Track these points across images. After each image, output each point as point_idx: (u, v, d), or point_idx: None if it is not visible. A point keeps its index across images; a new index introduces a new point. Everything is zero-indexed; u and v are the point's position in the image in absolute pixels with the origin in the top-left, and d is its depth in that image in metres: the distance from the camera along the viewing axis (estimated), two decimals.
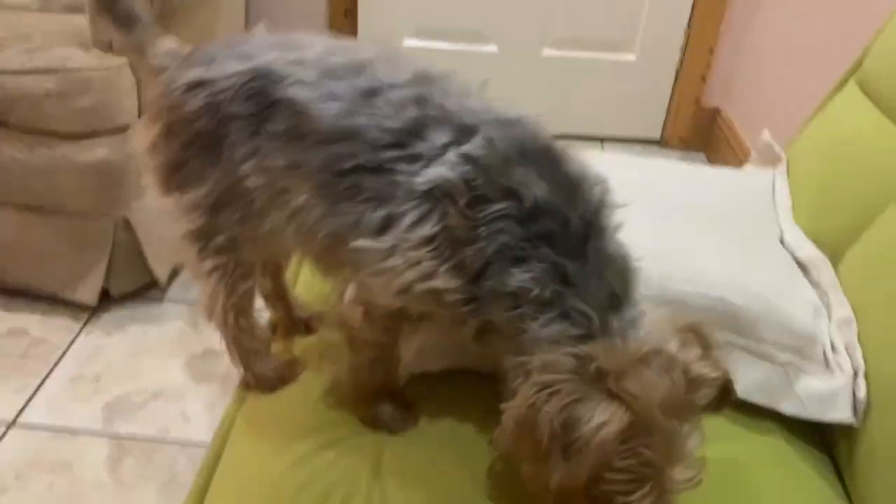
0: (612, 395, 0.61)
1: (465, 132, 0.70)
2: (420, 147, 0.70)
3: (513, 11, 2.37)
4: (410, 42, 2.44)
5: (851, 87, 1.14)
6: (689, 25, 2.38)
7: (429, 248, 0.68)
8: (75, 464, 1.35)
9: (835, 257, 0.98)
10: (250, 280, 0.88)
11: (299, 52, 0.77)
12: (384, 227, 0.71)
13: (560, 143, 0.72)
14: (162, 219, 1.66)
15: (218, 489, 0.79)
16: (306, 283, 1.07)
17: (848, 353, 0.85)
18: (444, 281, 0.68)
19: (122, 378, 1.54)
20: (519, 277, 0.66)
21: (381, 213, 0.70)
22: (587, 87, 2.50)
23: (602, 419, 0.59)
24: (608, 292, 0.67)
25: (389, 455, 0.78)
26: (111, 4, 0.88)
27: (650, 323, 0.67)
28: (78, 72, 1.45)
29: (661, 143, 2.58)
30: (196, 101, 0.77)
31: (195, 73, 0.78)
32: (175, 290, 1.78)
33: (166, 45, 0.86)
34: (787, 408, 0.84)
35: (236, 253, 0.84)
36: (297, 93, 0.74)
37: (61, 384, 1.51)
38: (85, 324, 1.66)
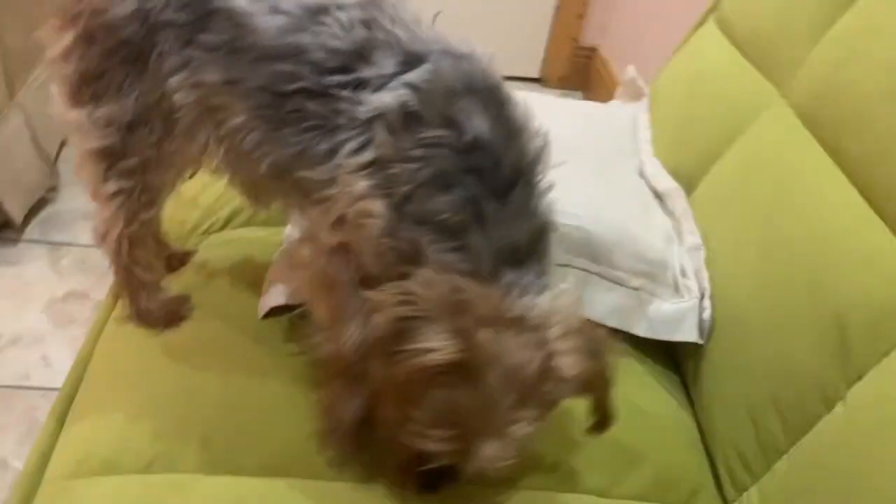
0: (459, 333, 0.59)
1: (412, 60, 0.68)
2: (366, 72, 0.68)
3: None
4: None
5: (710, 25, 1.18)
6: None
7: (363, 172, 0.67)
8: None
9: (690, 188, 1.03)
10: (154, 208, 0.83)
11: None
12: (327, 157, 0.69)
13: (507, 86, 0.71)
14: (12, 155, 1.56)
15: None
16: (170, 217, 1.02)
17: (696, 278, 0.90)
18: (372, 203, 0.66)
19: None
20: (439, 200, 0.65)
21: (325, 146, 0.68)
22: (465, 23, 2.47)
23: (433, 346, 0.58)
24: (512, 244, 0.65)
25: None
26: None
27: (553, 301, 0.65)
28: None
29: (541, 81, 2.61)
30: (123, 6, 0.70)
31: None
32: (32, 230, 1.68)
33: None
34: (640, 330, 0.88)
35: (145, 177, 0.78)
36: (238, 2, 0.70)
37: None
38: None
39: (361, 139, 0.67)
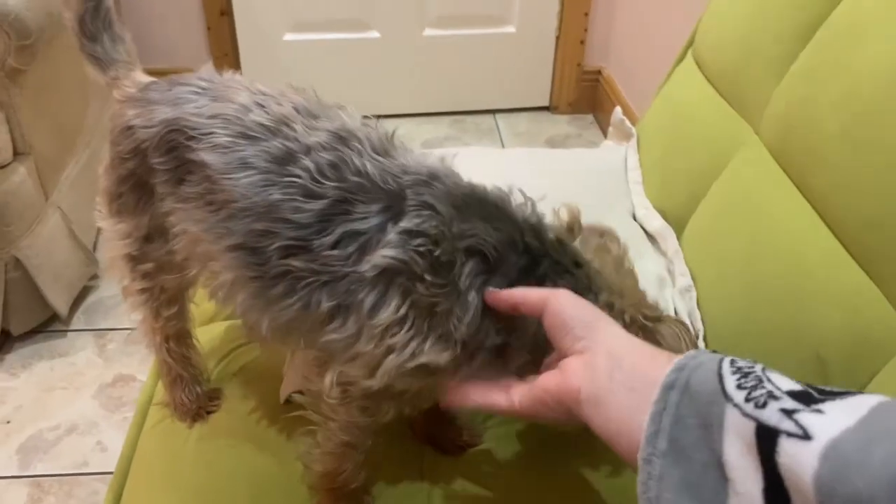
0: None
1: (394, 203, 0.67)
2: (351, 226, 0.66)
3: None
4: (291, 37, 2.44)
5: (689, 60, 1.21)
6: None
7: (403, 328, 0.65)
8: None
9: (679, 227, 1.06)
10: (174, 307, 0.91)
11: (222, 105, 0.73)
12: (334, 315, 0.67)
13: (468, 181, 0.71)
14: (52, 252, 1.66)
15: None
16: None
17: (689, 319, 0.93)
18: (434, 355, 0.65)
19: (33, 417, 1.54)
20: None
21: (327, 303, 0.67)
22: (472, 62, 2.55)
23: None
24: None
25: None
26: (92, 50, 0.87)
27: None
28: None
29: (551, 108, 2.66)
30: (127, 143, 0.78)
31: (129, 117, 0.78)
32: (78, 320, 1.78)
33: (133, 77, 0.85)
34: None
35: (162, 278, 0.86)
36: (209, 158, 0.70)
37: None
38: None
39: (376, 294, 0.65)
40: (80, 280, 1.82)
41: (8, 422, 1.53)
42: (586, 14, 2.48)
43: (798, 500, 0.39)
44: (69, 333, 1.74)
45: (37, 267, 1.63)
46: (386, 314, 0.65)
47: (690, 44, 1.23)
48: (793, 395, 0.42)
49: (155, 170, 0.76)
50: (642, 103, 2.30)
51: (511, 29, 2.51)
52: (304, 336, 0.71)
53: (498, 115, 2.63)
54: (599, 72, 2.57)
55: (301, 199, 0.67)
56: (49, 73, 1.74)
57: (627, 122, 1.28)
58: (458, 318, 0.64)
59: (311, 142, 0.69)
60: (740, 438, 0.42)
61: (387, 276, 0.65)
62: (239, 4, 2.37)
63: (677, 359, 0.49)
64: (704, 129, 1.09)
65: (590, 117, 2.63)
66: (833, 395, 0.42)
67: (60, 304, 1.70)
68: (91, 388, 1.60)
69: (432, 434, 0.89)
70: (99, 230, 1.95)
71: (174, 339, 0.94)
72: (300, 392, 0.89)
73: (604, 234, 0.75)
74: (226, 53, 2.47)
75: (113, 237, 0.85)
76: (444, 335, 0.65)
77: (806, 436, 0.39)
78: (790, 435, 0.39)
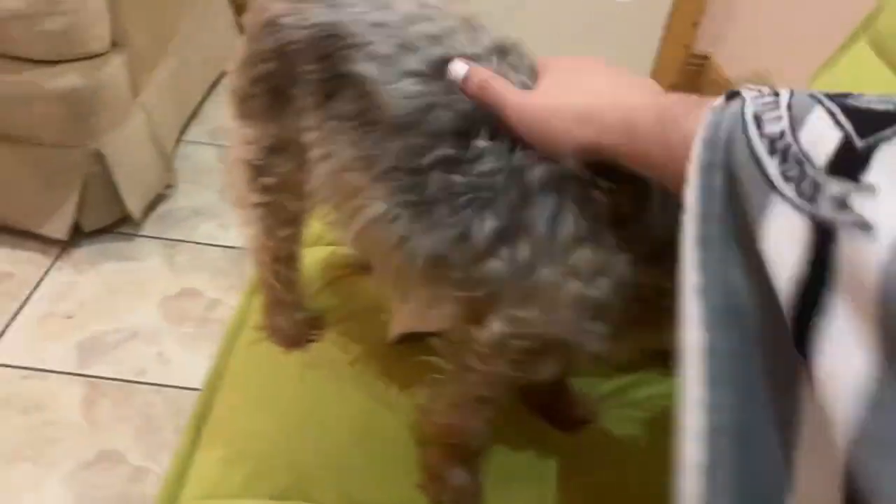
0: None
1: None
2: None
3: None
4: None
5: (862, 48, 1.10)
6: None
7: (589, 244, 0.57)
8: (48, 405, 1.32)
9: None
10: (290, 227, 0.83)
11: (384, 13, 0.65)
12: (502, 237, 0.59)
13: None
14: (133, 152, 1.60)
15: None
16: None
17: None
18: (630, 273, 0.56)
19: (95, 317, 1.49)
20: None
21: (491, 222, 0.59)
22: (577, 28, 2.43)
23: None
24: None
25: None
26: None
27: None
28: None
29: None
30: (269, 40, 0.68)
31: (275, 12, 0.68)
32: (149, 225, 1.73)
33: None
34: None
35: (281, 196, 0.78)
36: (368, 69, 0.62)
37: (32, 321, 1.47)
38: (56, 259, 1.60)
39: (551, 204, 0.57)
40: (156, 186, 1.76)
41: (70, 317, 1.48)
42: None
43: (842, 295, 0.33)
44: (138, 238, 1.69)
45: (116, 164, 1.58)
46: (566, 227, 0.56)
47: (865, 28, 1.12)
48: (835, 166, 0.36)
49: (299, 77, 0.67)
50: None
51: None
52: (463, 270, 0.62)
53: None
54: (707, 57, 2.44)
55: (461, 107, 0.60)
56: None
57: None
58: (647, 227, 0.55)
59: (471, 53, 0.62)
60: (786, 227, 0.36)
61: (556, 184, 0.57)
62: None
63: (701, 130, 0.42)
64: None
65: None
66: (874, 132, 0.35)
67: (135, 206, 1.65)
68: (155, 297, 1.55)
69: (545, 405, 0.82)
70: (178, 141, 1.92)
71: (283, 261, 0.87)
72: (412, 334, 0.83)
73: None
74: None
75: (238, 139, 0.77)
76: (641, 251, 0.56)
77: (866, 227, 0.33)
78: (850, 226, 0.33)
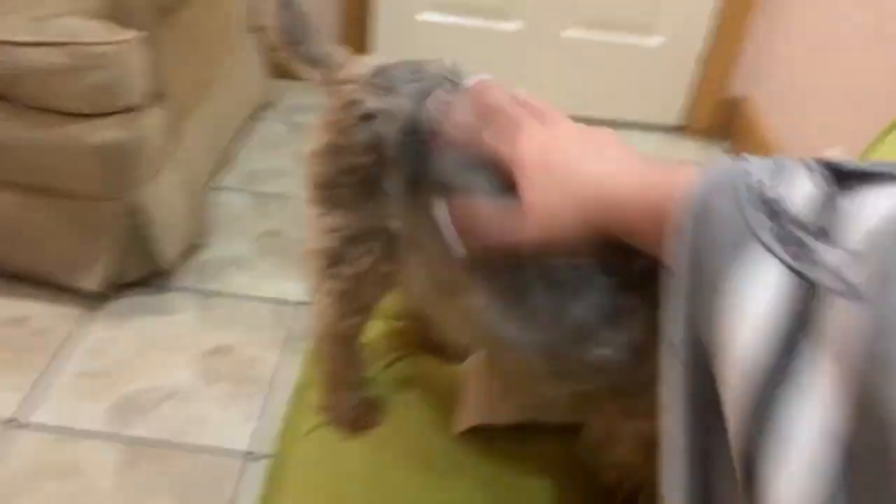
0: None
1: None
2: None
3: None
4: (427, 16, 2.33)
5: None
6: (718, 10, 2.28)
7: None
8: (83, 468, 1.28)
9: None
10: (361, 316, 0.80)
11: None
12: (605, 322, 0.57)
13: None
14: (170, 203, 1.58)
15: None
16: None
17: None
18: None
19: (130, 375, 1.46)
20: None
21: (590, 306, 0.57)
22: (609, 69, 2.41)
23: None
24: None
25: None
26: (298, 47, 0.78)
27: None
28: (89, 46, 1.34)
29: (684, 129, 2.50)
30: (364, 134, 0.67)
31: (371, 103, 0.66)
32: (184, 276, 1.69)
33: (353, 63, 0.75)
34: None
35: (357, 286, 0.75)
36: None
37: (65, 379, 1.43)
38: (90, 312, 1.57)
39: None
40: (190, 236, 1.73)
41: (104, 375, 1.45)
42: (739, 39, 2.32)
43: (822, 348, 0.34)
44: (173, 291, 1.66)
45: (152, 216, 1.55)
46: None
47: None
48: (818, 231, 0.37)
49: (392, 168, 0.66)
50: (785, 141, 2.14)
51: (656, 40, 2.36)
52: (575, 359, 0.58)
53: (627, 129, 2.47)
54: (743, 99, 2.40)
55: None
56: (194, 19, 1.66)
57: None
58: None
59: None
60: (759, 273, 0.37)
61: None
62: None
63: (695, 184, 0.43)
64: None
65: (726, 145, 2.46)
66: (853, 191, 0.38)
67: (169, 257, 1.62)
68: (189, 354, 1.51)
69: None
70: (207, 186, 1.89)
71: (343, 342, 0.83)
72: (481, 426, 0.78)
73: None
74: (357, 24, 2.37)
75: (317, 227, 0.74)
76: None
77: (854, 294, 0.33)
78: (835, 292, 0.34)
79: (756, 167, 0.41)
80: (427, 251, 0.63)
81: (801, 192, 0.39)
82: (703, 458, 0.39)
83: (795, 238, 0.37)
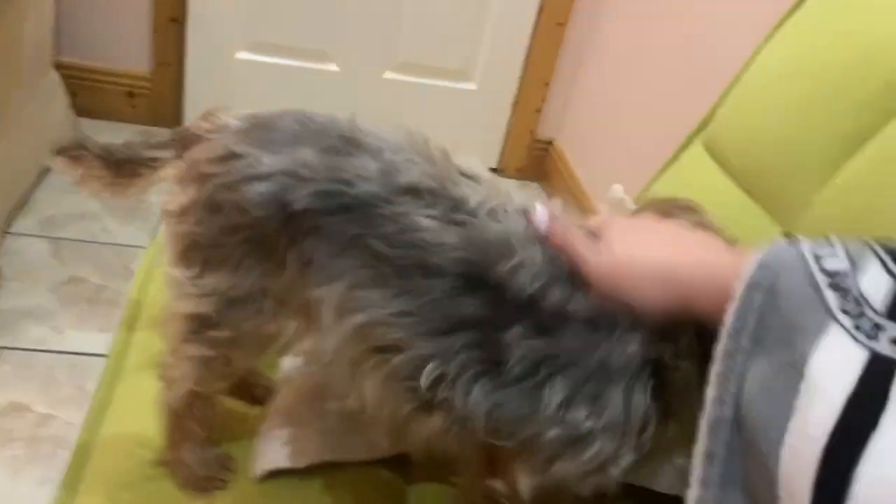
0: None
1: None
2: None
3: (354, 32, 2.31)
4: (243, 55, 2.31)
5: (697, 148, 1.18)
6: (526, 57, 2.43)
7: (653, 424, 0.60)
8: None
9: None
10: (228, 380, 0.77)
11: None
12: (569, 404, 0.59)
13: None
14: None
15: None
16: None
17: None
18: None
19: None
20: None
21: (561, 391, 0.59)
22: (428, 112, 2.49)
23: None
24: None
25: None
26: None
27: None
28: None
29: (498, 171, 2.62)
30: (260, 187, 0.62)
31: (270, 160, 0.62)
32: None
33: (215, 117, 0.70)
34: None
35: (232, 350, 0.70)
36: (421, 219, 0.62)
37: None
38: None
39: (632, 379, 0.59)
40: None
41: None
42: (546, 84, 2.48)
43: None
44: None
45: None
46: (638, 401, 0.59)
47: (699, 131, 1.21)
48: (892, 312, 0.42)
49: (309, 228, 0.62)
50: (591, 180, 2.30)
51: (472, 86, 2.47)
52: (525, 431, 0.61)
53: None
54: (550, 142, 2.56)
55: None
56: None
57: (629, 201, 1.23)
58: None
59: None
60: (840, 354, 0.42)
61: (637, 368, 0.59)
62: (195, 14, 2.21)
63: (757, 255, 0.48)
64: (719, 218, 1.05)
65: (536, 185, 2.61)
66: None
67: None
68: None
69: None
70: (3, 231, 1.75)
71: (201, 403, 0.77)
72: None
73: (695, 211, 0.70)
74: (169, 63, 2.30)
75: (187, 290, 0.68)
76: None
77: None
78: None
79: (822, 250, 0.46)
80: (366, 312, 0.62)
81: (872, 276, 0.44)
82: None
83: (872, 321, 0.41)
